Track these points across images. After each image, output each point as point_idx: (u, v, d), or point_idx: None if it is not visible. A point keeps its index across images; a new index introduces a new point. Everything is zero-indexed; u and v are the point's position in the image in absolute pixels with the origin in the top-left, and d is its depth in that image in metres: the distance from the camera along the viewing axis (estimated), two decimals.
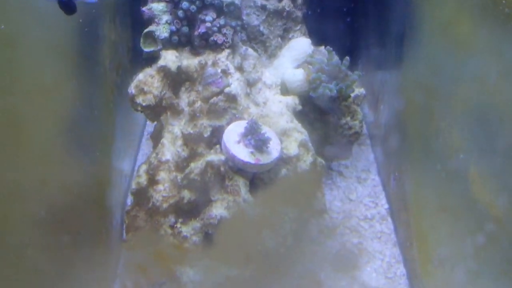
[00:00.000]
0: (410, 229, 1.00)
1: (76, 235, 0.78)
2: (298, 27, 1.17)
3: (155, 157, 0.89)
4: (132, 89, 0.92)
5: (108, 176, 0.98)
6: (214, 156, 0.86)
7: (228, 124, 0.90)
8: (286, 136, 0.92)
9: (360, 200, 1.18)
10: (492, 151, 0.69)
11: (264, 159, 0.86)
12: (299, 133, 0.94)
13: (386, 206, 1.16)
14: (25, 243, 0.61)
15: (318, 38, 1.21)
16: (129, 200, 1.00)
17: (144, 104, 0.91)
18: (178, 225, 0.87)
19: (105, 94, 0.98)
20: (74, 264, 0.76)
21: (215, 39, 0.97)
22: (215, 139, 0.89)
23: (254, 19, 1.11)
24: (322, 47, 1.19)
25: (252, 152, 0.86)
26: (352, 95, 1.12)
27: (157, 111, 0.94)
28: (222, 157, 0.86)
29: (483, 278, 0.74)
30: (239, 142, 0.86)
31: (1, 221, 0.56)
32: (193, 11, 0.96)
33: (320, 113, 1.10)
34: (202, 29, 0.96)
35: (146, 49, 0.97)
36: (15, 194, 0.59)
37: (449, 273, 0.83)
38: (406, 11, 1.05)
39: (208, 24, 0.96)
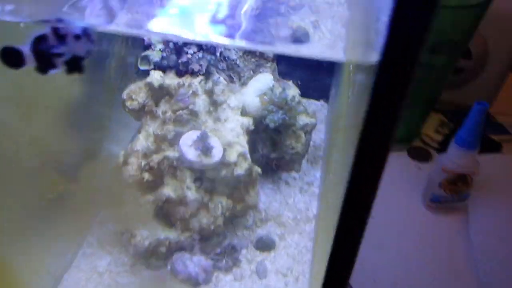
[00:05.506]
0: (318, 227, 1.32)
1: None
2: (269, 64, 1.50)
3: (130, 147, 1.23)
4: (124, 95, 1.27)
5: (101, 153, 1.34)
6: (170, 153, 1.19)
7: (187, 131, 1.23)
8: (229, 147, 1.24)
9: (295, 205, 1.48)
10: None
11: (207, 161, 1.19)
12: (241, 146, 1.25)
13: (315, 212, 1.47)
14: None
15: (291, 75, 1.52)
16: None
17: (130, 107, 1.26)
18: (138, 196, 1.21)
19: (108, 94, 1.33)
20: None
21: (192, 67, 1.30)
22: (176, 140, 1.22)
23: (233, 54, 1.44)
24: (290, 82, 1.51)
25: (198, 155, 1.18)
26: (301, 123, 1.44)
27: (139, 114, 1.28)
28: (177, 154, 1.19)
29: None
30: (191, 146, 1.19)
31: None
32: (180, 44, 1.30)
33: (270, 132, 1.42)
34: (184, 58, 1.30)
35: (142, 68, 1.32)
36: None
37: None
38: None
39: (189, 56, 1.30)
